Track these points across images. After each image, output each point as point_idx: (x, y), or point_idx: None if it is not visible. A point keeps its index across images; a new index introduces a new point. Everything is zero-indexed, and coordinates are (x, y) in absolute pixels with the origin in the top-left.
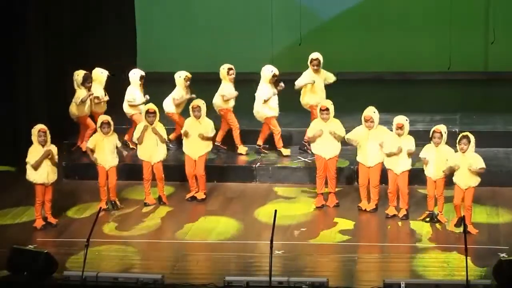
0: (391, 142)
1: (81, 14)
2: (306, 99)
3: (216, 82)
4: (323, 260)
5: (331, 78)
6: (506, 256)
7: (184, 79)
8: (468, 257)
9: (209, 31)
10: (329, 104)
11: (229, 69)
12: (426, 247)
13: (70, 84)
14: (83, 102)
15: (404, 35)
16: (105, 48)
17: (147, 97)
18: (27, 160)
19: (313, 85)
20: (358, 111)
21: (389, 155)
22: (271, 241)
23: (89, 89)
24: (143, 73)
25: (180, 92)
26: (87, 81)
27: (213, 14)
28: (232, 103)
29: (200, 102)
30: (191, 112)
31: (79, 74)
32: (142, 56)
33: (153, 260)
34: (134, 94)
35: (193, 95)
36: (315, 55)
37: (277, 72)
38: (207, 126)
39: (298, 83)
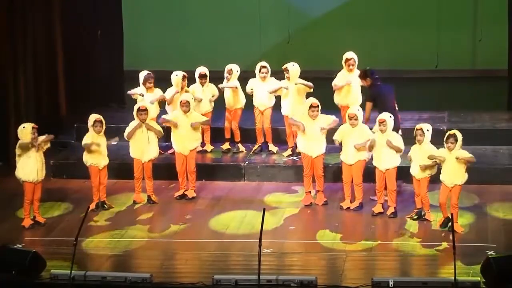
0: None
1: (71, 13)
2: (338, 99)
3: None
4: (312, 258)
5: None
6: (494, 253)
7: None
8: (456, 255)
9: (197, 29)
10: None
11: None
12: (414, 245)
13: (59, 83)
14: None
15: (392, 33)
16: (93, 47)
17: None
18: (16, 158)
19: (349, 85)
20: None
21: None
22: (260, 239)
23: (148, 89)
24: (147, 73)
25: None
26: (148, 81)
27: (201, 12)
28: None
29: (189, 97)
30: (179, 107)
31: (141, 74)
32: (129, 54)
33: (142, 259)
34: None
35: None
36: (350, 54)
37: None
38: (196, 117)
39: (336, 83)
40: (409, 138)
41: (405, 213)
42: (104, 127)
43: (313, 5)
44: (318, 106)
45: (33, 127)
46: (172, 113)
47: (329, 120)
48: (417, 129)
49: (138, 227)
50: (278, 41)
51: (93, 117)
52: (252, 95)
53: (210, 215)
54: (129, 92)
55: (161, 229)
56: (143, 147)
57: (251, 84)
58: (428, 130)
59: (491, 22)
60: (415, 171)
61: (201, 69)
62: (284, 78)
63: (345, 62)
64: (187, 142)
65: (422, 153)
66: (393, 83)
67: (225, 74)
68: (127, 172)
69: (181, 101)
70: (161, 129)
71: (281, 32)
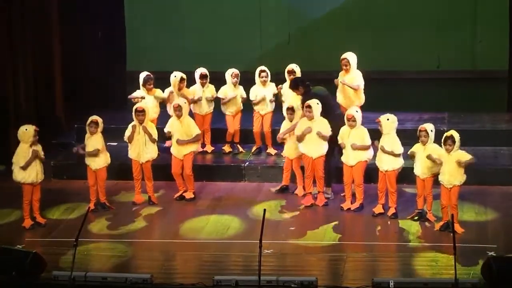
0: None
1: (70, 14)
2: (338, 98)
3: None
4: (312, 259)
5: (354, 81)
6: (495, 254)
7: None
8: (456, 256)
9: (197, 31)
10: (314, 103)
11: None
12: (415, 245)
13: (58, 84)
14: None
15: (393, 34)
16: (94, 48)
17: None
18: (14, 160)
19: (342, 85)
20: None
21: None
22: (260, 240)
23: (149, 91)
24: (147, 74)
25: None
26: (147, 82)
27: (202, 13)
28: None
29: (181, 101)
30: (172, 112)
31: (141, 75)
32: (130, 55)
33: (142, 260)
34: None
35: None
36: (344, 55)
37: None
38: (189, 125)
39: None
40: (411, 139)
41: (406, 214)
42: (99, 128)
43: (313, 6)
44: (309, 106)
45: (35, 130)
46: (169, 121)
47: (325, 130)
48: (421, 130)
49: (138, 228)
50: (278, 42)
51: (90, 118)
52: (256, 103)
53: (211, 215)
54: (129, 96)
55: (161, 230)
56: (140, 148)
57: (254, 92)
58: (431, 131)
59: (492, 23)
60: (419, 171)
61: (202, 70)
62: (285, 80)
63: (340, 62)
64: (182, 147)
65: (426, 153)
66: (394, 84)
67: (233, 79)
68: (128, 173)
69: (173, 106)
70: (155, 135)
71: (281, 33)
